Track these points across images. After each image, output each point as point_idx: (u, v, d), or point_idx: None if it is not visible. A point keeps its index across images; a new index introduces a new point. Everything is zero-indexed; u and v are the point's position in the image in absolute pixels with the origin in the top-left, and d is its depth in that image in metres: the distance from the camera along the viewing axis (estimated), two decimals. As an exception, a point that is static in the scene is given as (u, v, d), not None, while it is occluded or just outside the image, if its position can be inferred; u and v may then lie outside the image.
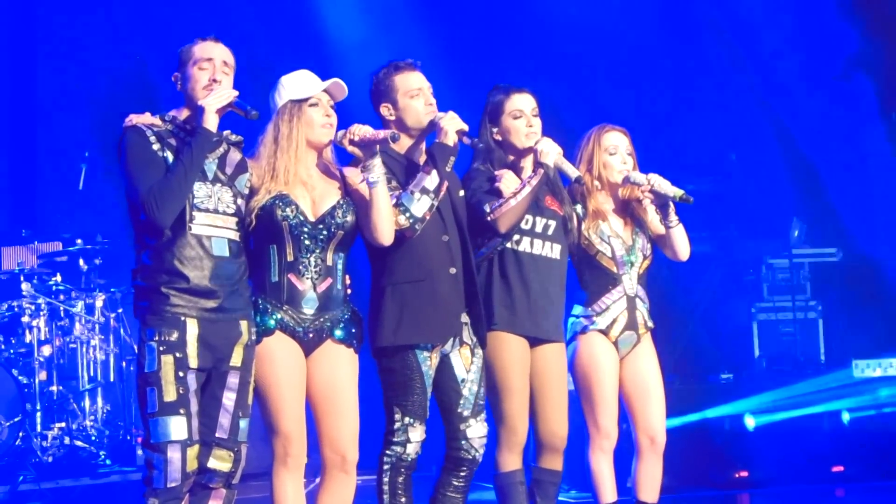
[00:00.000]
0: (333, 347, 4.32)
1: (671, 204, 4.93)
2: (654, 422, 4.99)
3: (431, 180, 4.38)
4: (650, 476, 5.00)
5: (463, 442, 4.50)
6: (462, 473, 4.54)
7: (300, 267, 4.27)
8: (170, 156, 4.12)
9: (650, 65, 8.91)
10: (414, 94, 4.52)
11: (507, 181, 4.71)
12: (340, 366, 4.32)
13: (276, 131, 4.31)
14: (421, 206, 4.37)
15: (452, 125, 4.45)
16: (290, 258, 4.27)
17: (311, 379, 4.31)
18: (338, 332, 4.32)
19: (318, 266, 4.29)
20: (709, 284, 8.57)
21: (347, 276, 4.40)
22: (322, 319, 4.30)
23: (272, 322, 4.25)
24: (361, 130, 4.35)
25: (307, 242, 4.27)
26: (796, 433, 7.54)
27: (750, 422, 7.59)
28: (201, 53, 4.20)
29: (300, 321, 4.27)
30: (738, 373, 8.32)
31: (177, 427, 4.03)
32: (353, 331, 4.36)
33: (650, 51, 8.95)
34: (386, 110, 4.55)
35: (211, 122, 4.12)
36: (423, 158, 4.51)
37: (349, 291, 4.41)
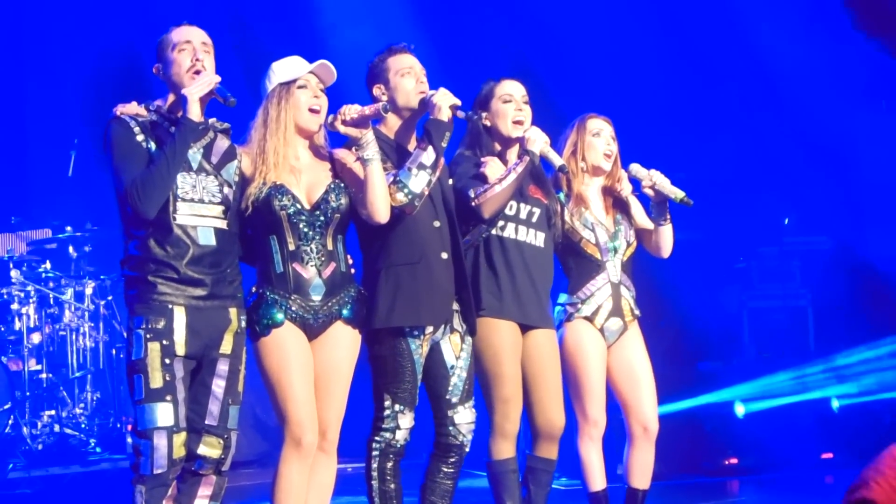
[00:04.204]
0: (339, 329, 4.33)
1: (667, 203, 4.94)
2: (647, 410, 4.99)
3: (428, 156, 4.37)
4: (642, 463, 5.00)
5: (451, 428, 4.50)
6: (451, 459, 4.53)
7: (303, 255, 4.28)
8: (154, 146, 4.12)
9: (642, 54, 8.89)
10: (405, 72, 4.51)
11: (493, 167, 4.72)
12: (341, 348, 4.33)
13: (265, 115, 4.33)
14: (419, 181, 4.36)
15: (445, 100, 4.44)
16: (291, 247, 4.27)
17: (313, 359, 4.32)
18: (345, 312, 4.33)
19: (321, 252, 4.30)
20: (699, 272, 8.56)
21: (349, 257, 4.41)
22: (330, 304, 4.31)
23: (280, 316, 4.25)
24: (352, 109, 4.35)
25: (306, 230, 4.28)
26: (786, 420, 7.55)
27: (740, 409, 7.60)
28: (179, 37, 4.20)
29: (309, 309, 4.27)
30: (728, 360, 8.32)
31: (163, 414, 4.03)
32: (360, 310, 4.37)
33: (643, 40, 8.93)
34: (378, 90, 4.55)
35: (194, 111, 4.12)
36: (413, 142, 4.51)
37: (353, 271, 4.42)
